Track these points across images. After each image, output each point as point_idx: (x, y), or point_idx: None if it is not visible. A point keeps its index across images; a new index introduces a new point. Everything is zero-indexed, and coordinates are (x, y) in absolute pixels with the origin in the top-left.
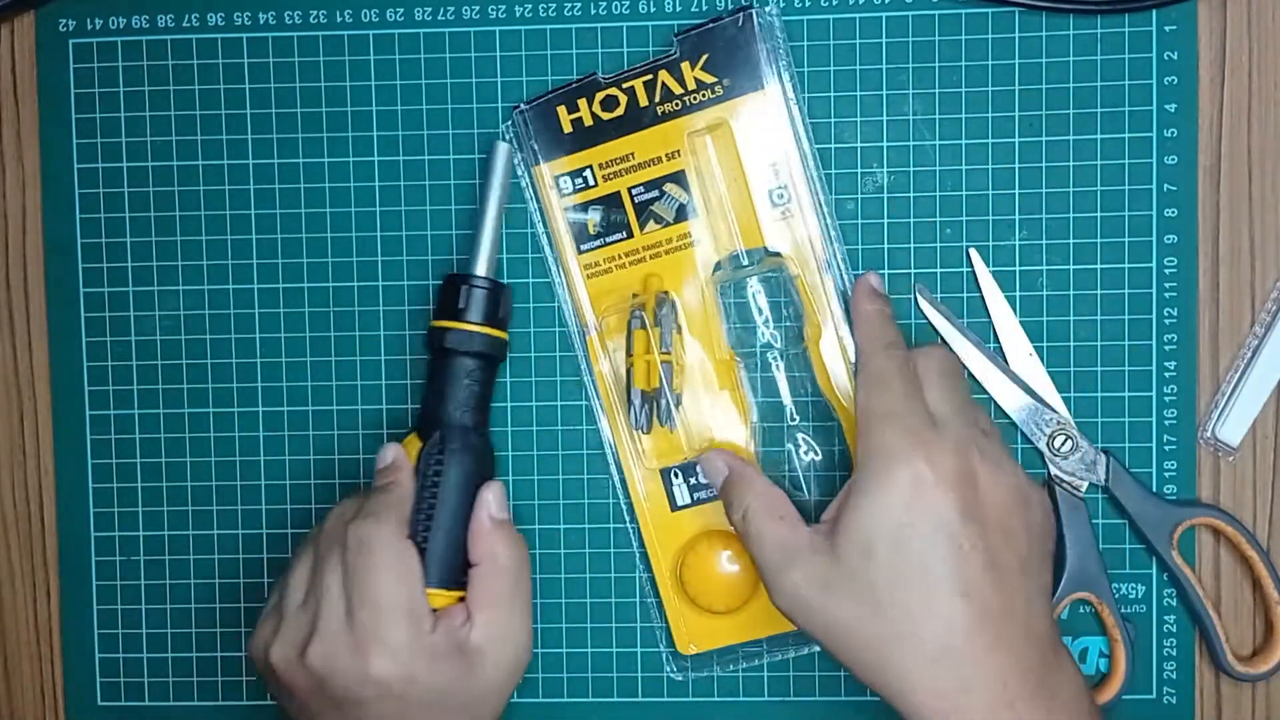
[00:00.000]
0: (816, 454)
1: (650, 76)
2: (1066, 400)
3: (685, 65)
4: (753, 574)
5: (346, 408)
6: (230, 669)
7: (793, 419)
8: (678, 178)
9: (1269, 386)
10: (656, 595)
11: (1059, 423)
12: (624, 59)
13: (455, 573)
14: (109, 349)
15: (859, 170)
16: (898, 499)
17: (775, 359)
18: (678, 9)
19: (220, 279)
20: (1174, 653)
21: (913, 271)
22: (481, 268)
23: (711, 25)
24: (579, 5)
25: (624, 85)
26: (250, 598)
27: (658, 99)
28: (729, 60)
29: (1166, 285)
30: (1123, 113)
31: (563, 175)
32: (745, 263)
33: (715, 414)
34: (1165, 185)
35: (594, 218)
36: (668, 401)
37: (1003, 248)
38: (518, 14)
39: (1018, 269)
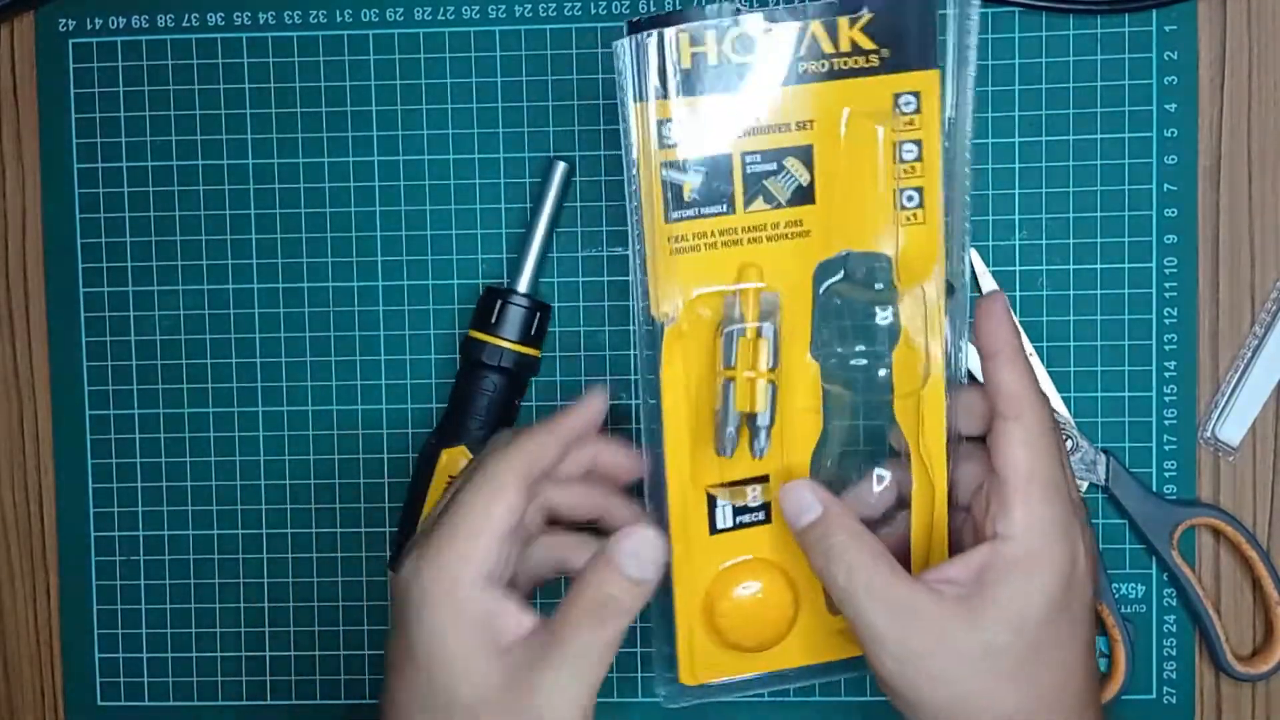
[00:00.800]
0: (893, 494)
1: (799, 26)
2: (1066, 400)
3: (843, 22)
4: (793, 612)
5: (346, 408)
6: (230, 669)
7: (867, 449)
8: (803, 153)
9: (1269, 386)
10: (666, 619)
11: (1059, 422)
12: None
13: None
14: (109, 349)
15: None
16: (1060, 577)
17: (858, 380)
18: (678, 8)
19: (220, 279)
20: (1174, 653)
21: None
22: (523, 284)
23: None
24: (579, 5)
25: (764, 27)
26: (250, 598)
27: (803, 53)
28: (896, 26)
29: (1166, 285)
30: (1123, 113)
31: (667, 121)
32: (864, 273)
33: (780, 432)
34: (1165, 185)
35: (693, 180)
36: (766, 429)
37: (1003, 248)
38: (517, 14)
39: (1018, 269)
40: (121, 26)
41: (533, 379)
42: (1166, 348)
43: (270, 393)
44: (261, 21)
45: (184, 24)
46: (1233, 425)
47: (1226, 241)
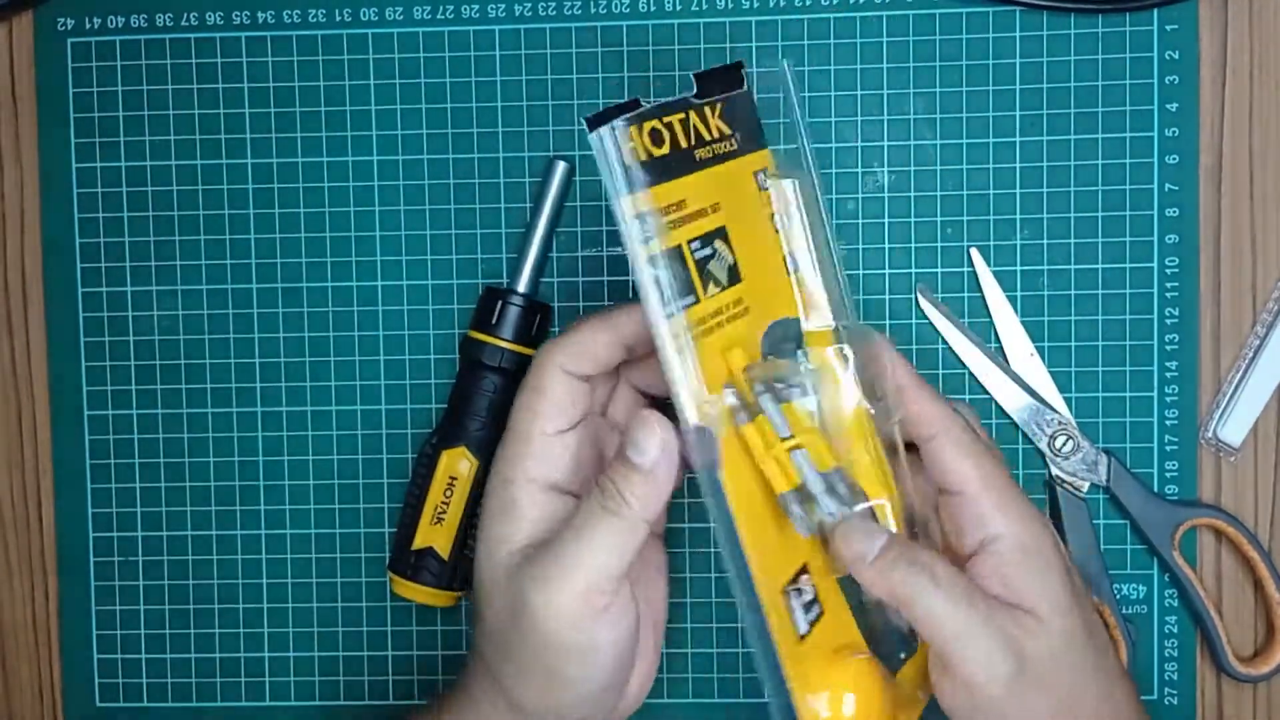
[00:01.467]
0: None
1: (684, 115)
2: (1068, 400)
3: (707, 110)
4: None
5: (346, 408)
6: (230, 669)
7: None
8: (722, 234)
9: (1270, 386)
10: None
11: (1060, 423)
12: (624, 59)
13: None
14: (108, 349)
15: (859, 170)
16: (1059, 556)
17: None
18: (678, 8)
19: (219, 279)
20: (1175, 653)
21: (913, 271)
22: (522, 285)
23: (712, 72)
24: (579, 5)
25: (665, 119)
26: (250, 598)
27: (694, 141)
28: (735, 113)
29: (1168, 285)
30: (1124, 112)
31: (641, 215)
32: (784, 340)
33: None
34: (1166, 185)
35: (667, 276)
36: (832, 488)
37: (1004, 247)
38: (517, 14)
39: (1019, 269)
40: (120, 26)
41: None
42: (1168, 348)
43: (270, 393)
44: (261, 21)
45: (183, 24)
46: (1234, 425)
47: (1228, 241)
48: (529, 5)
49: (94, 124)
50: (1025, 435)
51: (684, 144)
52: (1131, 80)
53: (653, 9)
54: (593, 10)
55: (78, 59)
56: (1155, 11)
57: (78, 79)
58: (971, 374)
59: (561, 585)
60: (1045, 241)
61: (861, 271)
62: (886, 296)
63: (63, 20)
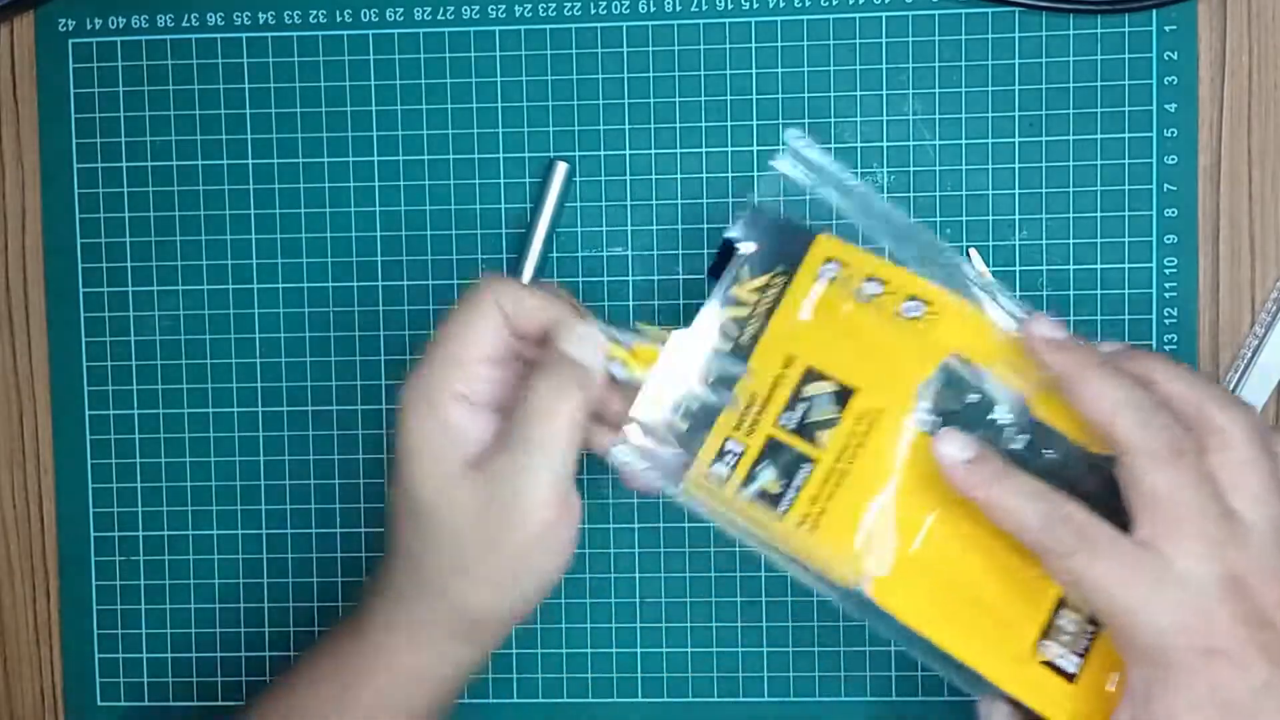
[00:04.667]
0: None
1: (719, 306)
2: None
3: (736, 290)
4: None
5: (346, 408)
6: (230, 669)
7: None
8: (808, 376)
9: (1269, 386)
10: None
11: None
12: (624, 59)
13: None
14: (109, 349)
15: (859, 170)
16: None
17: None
18: (677, 8)
19: (220, 279)
20: None
21: None
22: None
23: (716, 264)
24: (579, 5)
25: (733, 316)
26: (250, 598)
27: (738, 334)
28: (770, 250)
29: (1166, 285)
30: (1123, 112)
31: (712, 466)
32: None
33: None
34: (1165, 185)
35: (767, 476)
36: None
37: (1003, 247)
38: (517, 14)
39: (1018, 269)
40: (121, 26)
41: None
42: (1167, 348)
43: (270, 393)
44: (261, 21)
45: (184, 24)
46: None
47: (1226, 241)
48: (529, 6)
49: (95, 124)
50: None
51: (735, 337)
52: (1130, 81)
53: (653, 9)
54: (593, 11)
55: (79, 59)
56: (1154, 12)
57: (79, 79)
58: None
59: (539, 472)
60: (1044, 242)
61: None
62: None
63: (64, 21)
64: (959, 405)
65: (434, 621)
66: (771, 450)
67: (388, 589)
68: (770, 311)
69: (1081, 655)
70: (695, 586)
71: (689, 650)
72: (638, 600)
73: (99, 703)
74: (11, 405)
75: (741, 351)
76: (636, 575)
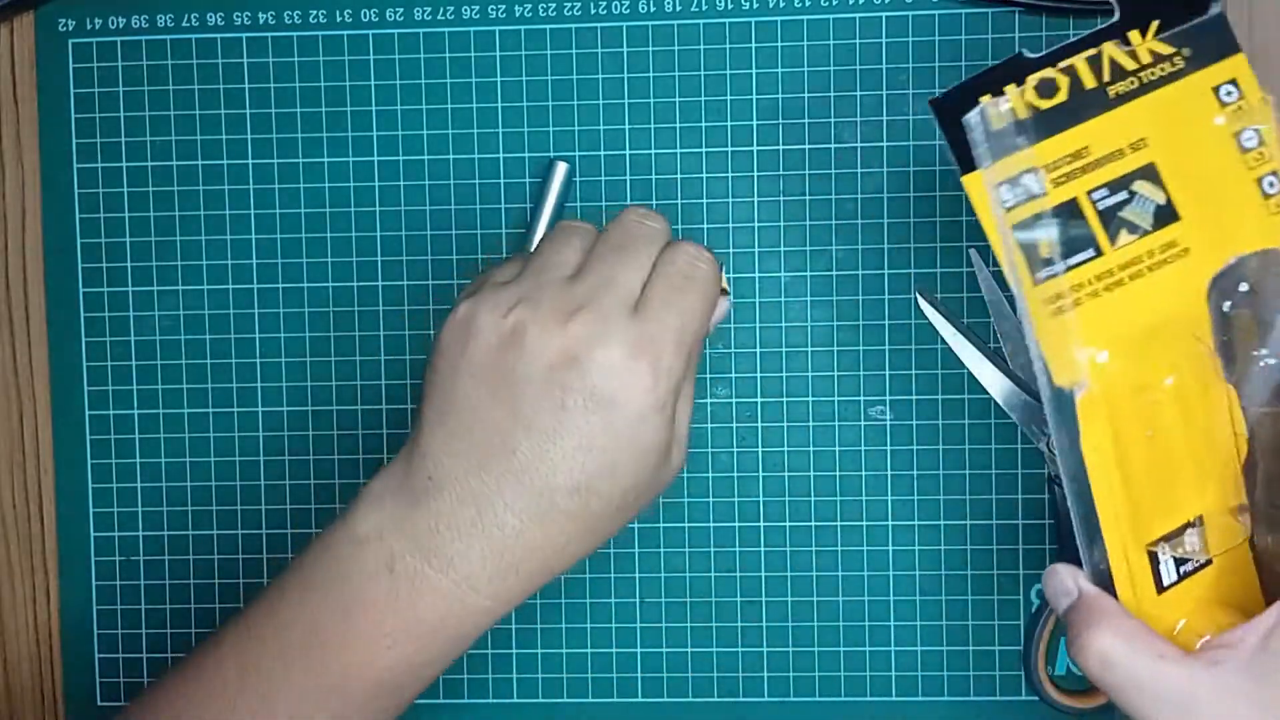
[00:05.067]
0: None
1: (1094, 52)
2: None
3: (1134, 35)
4: None
5: (346, 408)
6: None
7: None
8: (1149, 173)
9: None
10: None
11: None
12: (624, 60)
13: None
14: (109, 349)
15: (859, 171)
16: None
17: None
18: (677, 8)
19: (220, 279)
20: None
21: (913, 271)
22: None
23: None
24: (579, 5)
25: (1061, 65)
26: (250, 598)
27: (1107, 78)
28: (1187, 27)
29: None
30: None
31: (1002, 184)
32: (1267, 274)
33: (1200, 466)
34: None
35: (1046, 235)
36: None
37: None
38: (517, 14)
39: None
40: (121, 26)
41: None
42: None
43: (270, 393)
44: (261, 21)
45: (184, 24)
46: None
47: None
48: (529, 6)
49: (95, 125)
50: (1024, 435)
51: (1090, 84)
52: None
53: (653, 9)
54: (593, 11)
55: (79, 60)
56: None
57: (79, 80)
58: (971, 374)
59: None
60: None
61: (861, 272)
62: (886, 297)
63: (64, 21)
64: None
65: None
66: (1066, 214)
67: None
68: (1154, 85)
69: (1180, 578)
70: (695, 586)
71: (689, 650)
72: (638, 600)
73: (99, 703)
74: (11, 405)
75: (1101, 100)
76: (636, 575)
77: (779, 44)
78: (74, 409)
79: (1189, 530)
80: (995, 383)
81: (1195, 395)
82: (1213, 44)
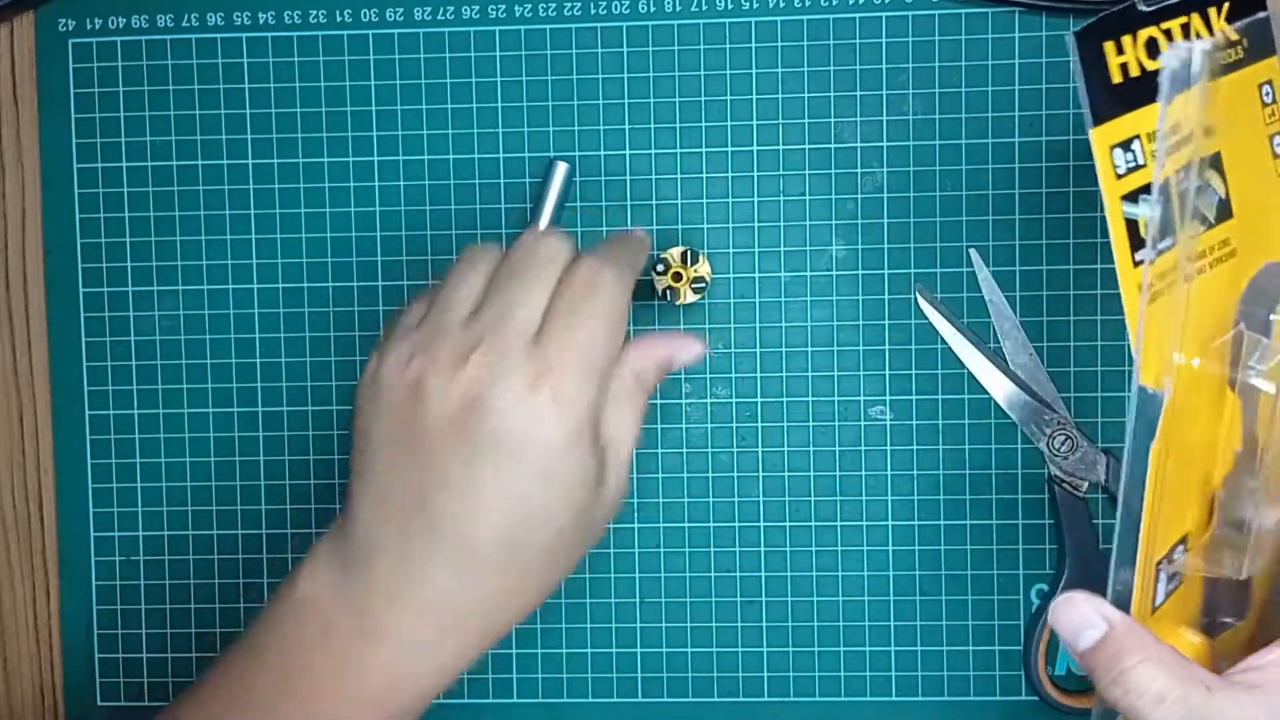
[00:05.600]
0: None
1: (1185, 19)
2: (1066, 400)
3: (1213, 11)
4: None
5: (346, 408)
6: None
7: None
8: (1215, 162)
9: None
10: None
11: (1059, 423)
12: (624, 59)
13: None
14: (109, 349)
15: (859, 170)
16: None
17: None
18: (677, 8)
19: (220, 279)
20: None
21: (913, 271)
22: None
23: None
24: (579, 5)
25: (1164, 25)
26: (250, 598)
27: (1192, 52)
28: (1250, 12)
29: None
30: None
31: (1116, 146)
32: None
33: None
34: None
35: (1147, 212)
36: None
37: (1003, 248)
38: (518, 14)
39: (1018, 269)
40: (121, 26)
41: None
42: None
43: (270, 393)
44: (261, 21)
45: (184, 24)
46: None
47: None
48: (529, 6)
49: (95, 124)
50: (1024, 435)
51: (1180, 55)
52: None
53: (653, 9)
54: (593, 11)
55: (79, 59)
56: None
57: (79, 79)
58: (971, 374)
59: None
60: (1044, 242)
61: (861, 272)
62: (886, 297)
63: (64, 21)
64: None
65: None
66: (1160, 192)
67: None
68: (1222, 71)
69: (1165, 598)
70: (695, 586)
71: (689, 650)
72: (638, 600)
73: (99, 703)
74: (11, 405)
75: (1186, 74)
76: (636, 575)
77: (779, 44)
78: (74, 409)
79: (1178, 547)
80: (995, 383)
81: (1210, 406)
82: (1263, 39)
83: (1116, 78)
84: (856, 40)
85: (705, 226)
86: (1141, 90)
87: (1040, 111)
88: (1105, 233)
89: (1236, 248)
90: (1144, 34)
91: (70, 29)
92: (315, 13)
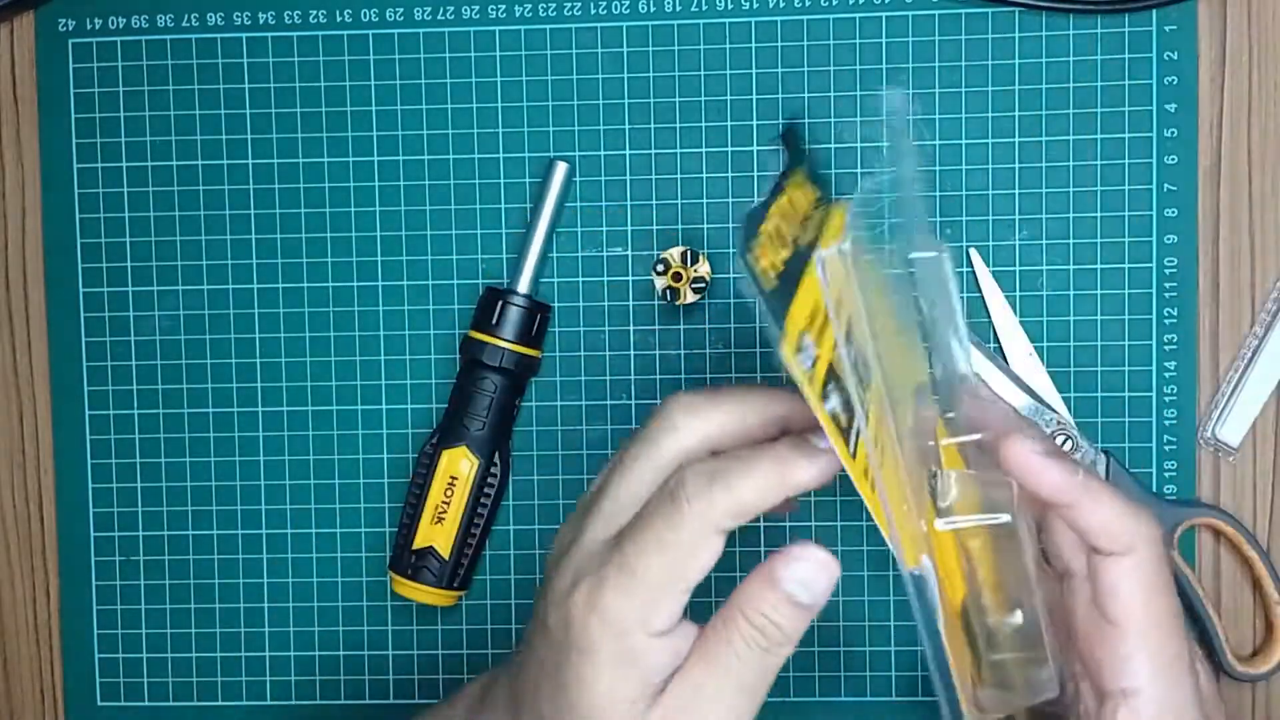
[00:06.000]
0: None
1: (785, 198)
2: (1066, 400)
3: (797, 173)
4: None
5: (346, 408)
6: (230, 669)
7: None
8: (851, 324)
9: (1269, 386)
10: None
11: (1059, 423)
12: (624, 59)
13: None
14: (109, 349)
15: (859, 170)
16: (1190, 714)
17: None
18: (677, 8)
19: (220, 279)
20: None
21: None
22: (522, 285)
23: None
24: (579, 5)
25: (770, 217)
26: (250, 598)
27: (798, 229)
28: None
29: (1166, 285)
30: (1123, 113)
31: (798, 352)
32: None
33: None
34: (1165, 185)
35: (836, 406)
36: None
37: (1003, 248)
38: (517, 14)
39: (1018, 269)
40: (121, 26)
41: (533, 379)
42: (1166, 348)
43: (270, 393)
44: (261, 21)
45: (184, 24)
46: (1233, 425)
47: (1226, 241)
48: (529, 6)
49: (95, 124)
50: None
51: (791, 232)
52: (1130, 81)
53: (653, 9)
54: (593, 11)
55: (79, 59)
56: (1154, 12)
57: (79, 79)
58: None
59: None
60: (1044, 242)
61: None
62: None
63: (64, 21)
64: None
65: None
66: (832, 377)
67: None
68: (814, 227)
69: None
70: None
71: None
72: None
73: (99, 703)
74: (11, 405)
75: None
76: None
77: (779, 44)
78: (74, 409)
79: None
80: (995, 383)
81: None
82: (826, 183)
83: (769, 285)
84: (856, 40)
85: (705, 226)
86: (785, 291)
87: (1040, 112)
88: (1105, 232)
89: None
90: (764, 229)
91: (70, 29)
92: (315, 13)
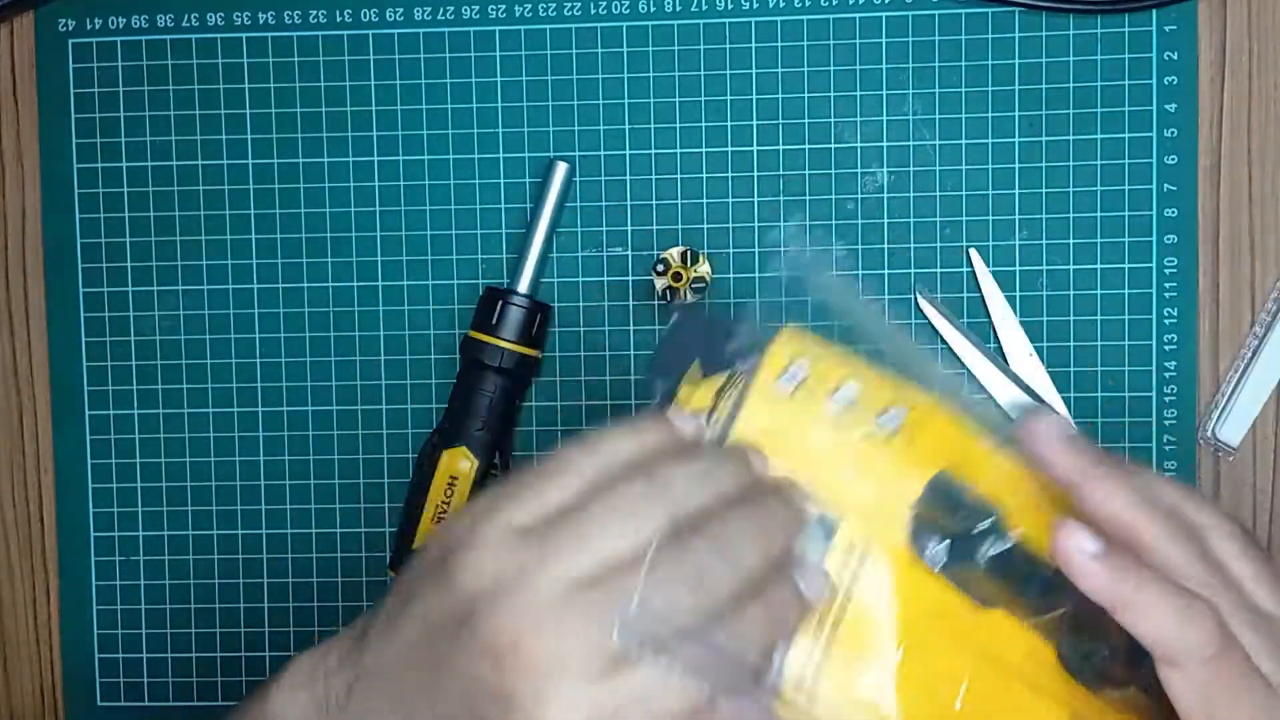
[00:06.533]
0: None
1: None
2: (1066, 400)
3: (686, 390)
4: None
5: (346, 408)
6: (230, 669)
7: None
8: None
9: (1269, 387)
10: None
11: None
12: (624, 59)
13: None
14: (109, 349)
15: (859, 170)
16: None
17: None
18: (677, 8)
19: (220, 279)
20: None
21: (913, 271)
22: (523, 285)
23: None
24: (579, 5)
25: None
26: (250, 598)
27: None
28: (718, 353)
29: (1166, 285)
30: (1123, 113)
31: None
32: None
33: None
34: (1165, 185)
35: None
36: None
37: (1003, 248)
38: (517, 14)
39: (1018, 269)
40: (121, 26)
41: (533, 379)
42: (1166, 348)
43: (270, 393)
44: (261, 21)
45: (184, 24)
46: (1233, 425)
47: (1226, 241)
48: (529, 6)
49: (95, 124)
50: None
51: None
52: (1130, 81)
53: (653, 9)
54: (593, 11)
55: (79, 60)
56: (1154, 12)
57: (79, 80)
58: (971, 374)
59: None
60: (1044, 242)
61: (861, 272)
62: (886, 297)
63: (64, 21)
64: (955, 524)
65: None
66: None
67: None
68: (732, 419)
69: None
70: None
71: None
72: None
73: (99, 703)
74: (11, 405)
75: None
76: None
77: (779, 44)
78: (74, 409)
79: None
80: (995, 383)
81: (998, 662)
82: (741, 347)
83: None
84: (856, 40)
85: (706, 227)
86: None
87: (1040, 111)
88: (1105, 232)
89: (870, 535)
90: (708, 385)
91: (70, 29)
92: (315, 13)
